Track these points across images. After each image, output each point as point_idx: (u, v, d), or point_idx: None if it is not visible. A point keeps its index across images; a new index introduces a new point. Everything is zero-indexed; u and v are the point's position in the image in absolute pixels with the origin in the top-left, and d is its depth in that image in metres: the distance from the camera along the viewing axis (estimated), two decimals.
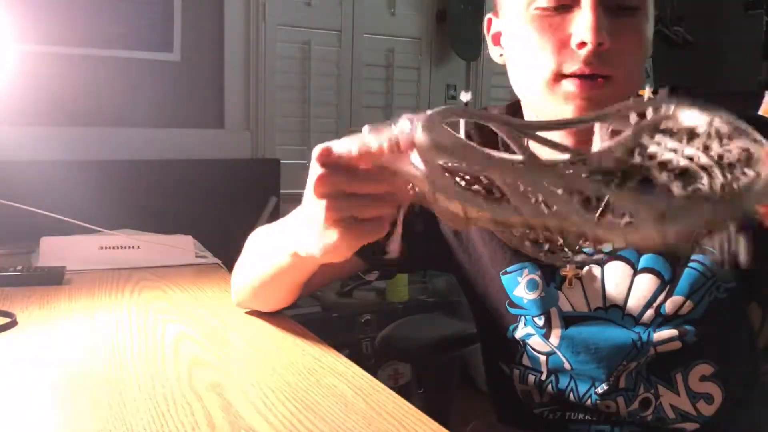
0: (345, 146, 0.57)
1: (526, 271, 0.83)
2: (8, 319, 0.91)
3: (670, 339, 0.79)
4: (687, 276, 0.78)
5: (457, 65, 3.00)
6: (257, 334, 0.88)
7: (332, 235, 0.61)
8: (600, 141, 0.55)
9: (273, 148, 2.56)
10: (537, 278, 0.82)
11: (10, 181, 1.72)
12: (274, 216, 2.29)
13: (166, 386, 0.69)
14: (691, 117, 0.53)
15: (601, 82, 0.71)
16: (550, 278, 0.81)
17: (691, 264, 0.78)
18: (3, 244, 1.47)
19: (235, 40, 2.43)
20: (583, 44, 0.70)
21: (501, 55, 0.83)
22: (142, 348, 0.81)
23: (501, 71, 0.84)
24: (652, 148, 0.54)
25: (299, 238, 0.68)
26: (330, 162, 0.59)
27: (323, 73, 2.68)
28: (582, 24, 0.70)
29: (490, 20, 0.85)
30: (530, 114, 0.83)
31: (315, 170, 0.60)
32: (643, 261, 0.79)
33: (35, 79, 2.06)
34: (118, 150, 2.18)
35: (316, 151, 0.59)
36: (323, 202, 0.60)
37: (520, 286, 0.83)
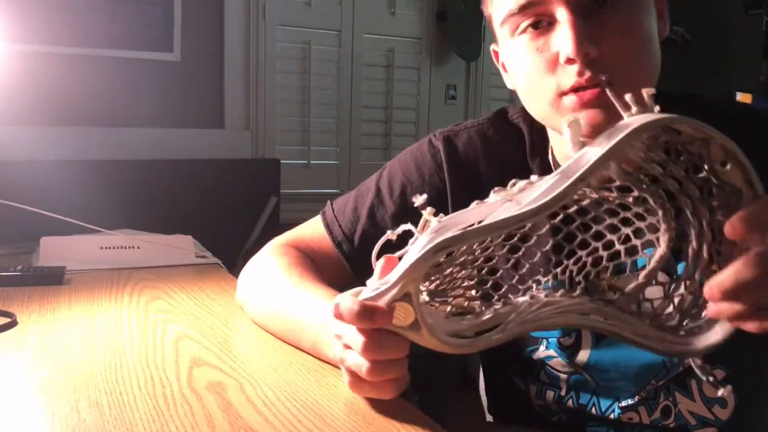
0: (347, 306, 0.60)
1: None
2: (8, 319, 0.90)
3: None
4: None
5: (457, 65, 3.00)
6: (257, 334, 0.88)
7: (343, 375, 0.66)
8: (572, 146, 0.56)
9: (273, 148, 2.56)
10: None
11: (10, 181, 1.73)
12: (274, 216, 2.29)
13: (166, 386, 0.69)
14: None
15: (598, 91, 0.70)
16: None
17: None
18: (3, 244, 1.47)
19: (235, 40, 2.43)
20: (570, 60, 0.69)
21: (512, 82, 0.82)
22: (142, 348, 0.81)
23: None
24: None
25: (322, 345, 0.75)
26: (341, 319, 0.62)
27: (323, 73, 2.68)
28: (563, 41, 0.69)
29: (496, 52, 0.84)
30: (549, 129, 0.82)
31: (334, 326, 0.64)
32: (680, 268, 0.78)
33: (35, 79, 2.06)
34: (118, 150, 2.18)
35: (332, 307, 0.62)
36: (340, 345, 0.65)
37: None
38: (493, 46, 0.85)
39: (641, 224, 0.60)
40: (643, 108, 0.54)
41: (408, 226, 0.60)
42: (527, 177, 0.84)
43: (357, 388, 0.65)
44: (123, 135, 2.22)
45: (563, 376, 0.82)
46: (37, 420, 0.62)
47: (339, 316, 0.60)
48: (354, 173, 2.74)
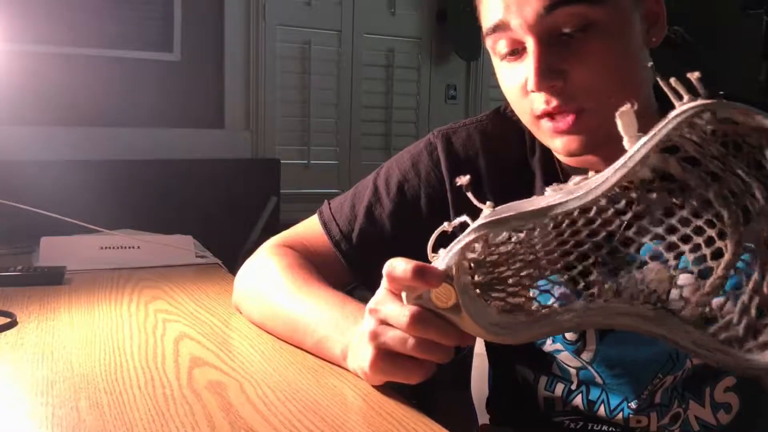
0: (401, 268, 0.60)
1: (557, 286, 0.78)
2: (8, 319, 0.91)
3: None
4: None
5: (457, 65, 3.00)
6: (257, 334, 0.88)
7: (367, 353, 0.65)
8: (628, 142, 0.54)
9: (273, 148, 2.57)
10: (569, 292, 0.79)
11: (10, 181, 1.73)
12: (274, 216, 2.29)
13: (166, 386, 0.69)
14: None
15: (573, 117, 0.71)
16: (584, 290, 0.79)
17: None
18: (3, 244, 1.47)
19: (235, 40, 2.44)
20: (534, 91, 0.71)
21: None
22: (142, 348, 0.81)
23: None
24: None
25: (335, 332, 0.74)
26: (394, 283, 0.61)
27: (323, 73, 2.69)
28: (528, 72, 0.71)
29: None
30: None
31: (381, 290, 0.64)
32: (683, 262, 0.77)
33: (35, 79, 2.06)
34: (118, 150, 2.18)
35: (387, 266, 0.62)
36: (375, 320, 0.63)
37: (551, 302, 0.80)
38: None
39: (712, 232, 0.55)
40: (695, 96, 0.51)
41: (464, 218, 0.60)
42: (527, 173, 0.84)
43: (380, 369, 0.64)
44: (123, 135, 2.22)
45: (572, 370, 0.81)
46: (37, 420, 0.62)
47: (390, 274, 0.60)
48: (354, 173, 2.74)
